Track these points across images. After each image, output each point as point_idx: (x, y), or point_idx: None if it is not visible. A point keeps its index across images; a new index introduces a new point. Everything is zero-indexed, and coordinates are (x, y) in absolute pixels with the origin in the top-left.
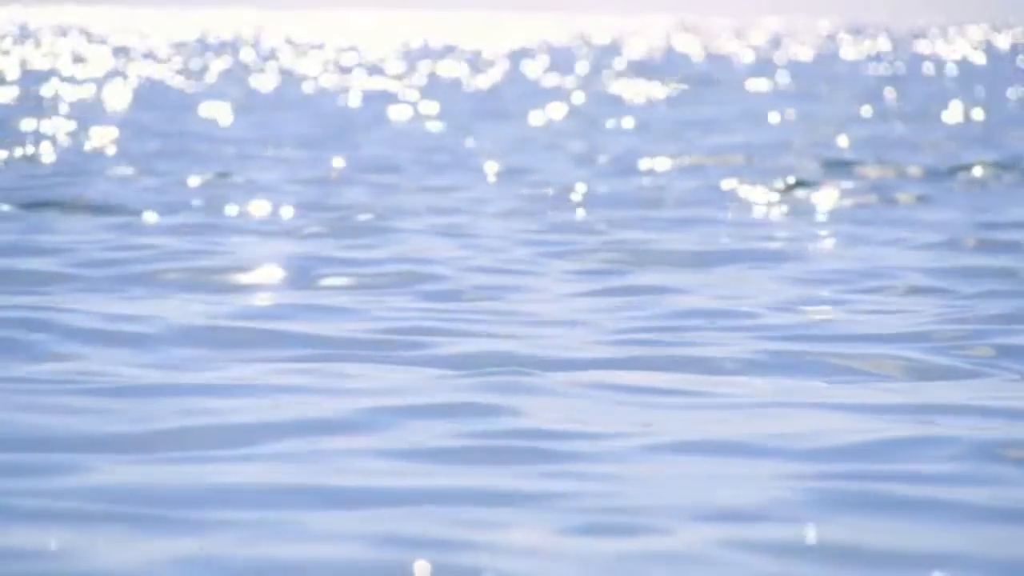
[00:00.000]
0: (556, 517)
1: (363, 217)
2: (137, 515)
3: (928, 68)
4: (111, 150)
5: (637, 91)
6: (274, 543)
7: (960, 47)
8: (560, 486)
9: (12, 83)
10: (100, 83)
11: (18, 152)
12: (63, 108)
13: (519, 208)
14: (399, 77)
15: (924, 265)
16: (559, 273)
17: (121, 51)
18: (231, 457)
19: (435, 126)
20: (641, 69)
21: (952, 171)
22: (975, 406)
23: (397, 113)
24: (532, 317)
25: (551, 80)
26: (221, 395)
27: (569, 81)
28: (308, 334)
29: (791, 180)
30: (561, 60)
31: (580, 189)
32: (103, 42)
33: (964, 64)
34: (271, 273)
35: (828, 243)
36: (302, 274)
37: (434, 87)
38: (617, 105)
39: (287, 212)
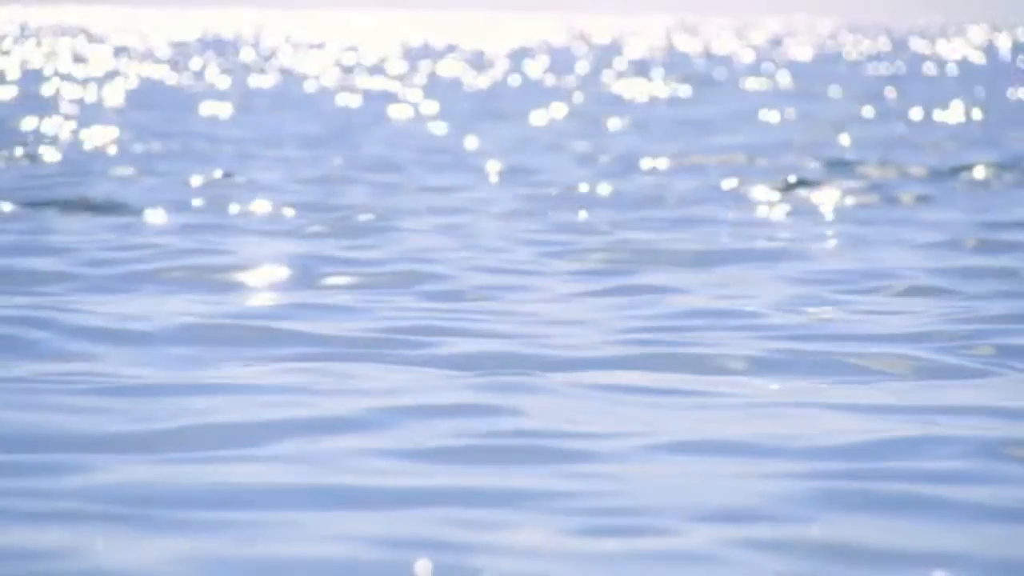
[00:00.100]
0: (557, 517)
1: (364, 217)
2: (137, 515)
3: (928, 68)
4: (112, 150)
5: (637, 91)
6: (274, 543)
7: (960, 47)
8: (561, 486)
9: (12, 83)
10: (100, 83)
11: (19, 152)
12: (63, 108)
13: (520, 208)
14: (400, 77)
15: (925, 265)
16: (560, 273)
17: (121, 51)
18: (231, 457)
19: (436, 126)
20: (641, 69)
21: (953, 171)
22: (977, 406)
23: (398, 113)
24: (533, 317)
25: (551, 80)
26: (222, 395)
27: (569, 81)
28: (309, 334)
29: (792, 180)
30: (561, 60)
31: (581, 189)
32: (103, 42)
33: (964, 64)
34: (272, 273)
35: (829, 243)
36: (303, 274)
37: (435, 87)
38: (618, 105)
39: (288, 212)
